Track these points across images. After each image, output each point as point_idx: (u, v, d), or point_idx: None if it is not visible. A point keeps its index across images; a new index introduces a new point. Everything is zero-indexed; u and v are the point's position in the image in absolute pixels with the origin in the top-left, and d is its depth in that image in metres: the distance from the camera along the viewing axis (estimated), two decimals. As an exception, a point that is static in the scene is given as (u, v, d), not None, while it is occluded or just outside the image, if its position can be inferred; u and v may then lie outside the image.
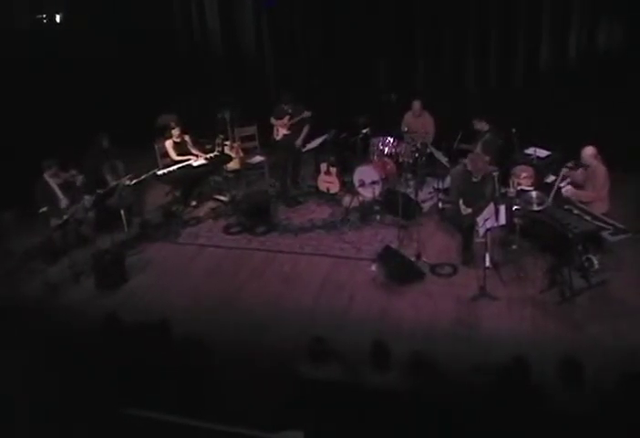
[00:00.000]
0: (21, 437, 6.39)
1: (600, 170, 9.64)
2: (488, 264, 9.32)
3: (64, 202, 10.66)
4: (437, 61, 13.38)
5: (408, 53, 13.52)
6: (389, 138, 12.33)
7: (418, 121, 12.57)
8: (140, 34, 14.40)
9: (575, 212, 9.17)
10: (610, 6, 11.93)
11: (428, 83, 13.53)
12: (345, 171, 12.34)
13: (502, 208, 9.17)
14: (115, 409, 6.14)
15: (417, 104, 12.53)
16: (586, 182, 9.80)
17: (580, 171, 9.93)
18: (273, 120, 12.58)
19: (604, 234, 8.88)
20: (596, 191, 9.66)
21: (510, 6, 12.52)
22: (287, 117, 12.34)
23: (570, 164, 10.24)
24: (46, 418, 6.36)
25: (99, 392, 6.60)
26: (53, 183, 10.74)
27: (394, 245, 10.42)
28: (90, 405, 6.37)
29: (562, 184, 9.89)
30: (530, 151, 11.37)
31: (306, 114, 12.32)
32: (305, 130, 12.44)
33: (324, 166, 12.22)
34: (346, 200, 12.05)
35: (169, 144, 12.31)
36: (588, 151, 9.69)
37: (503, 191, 10.26)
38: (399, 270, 9.76)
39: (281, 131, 12.47)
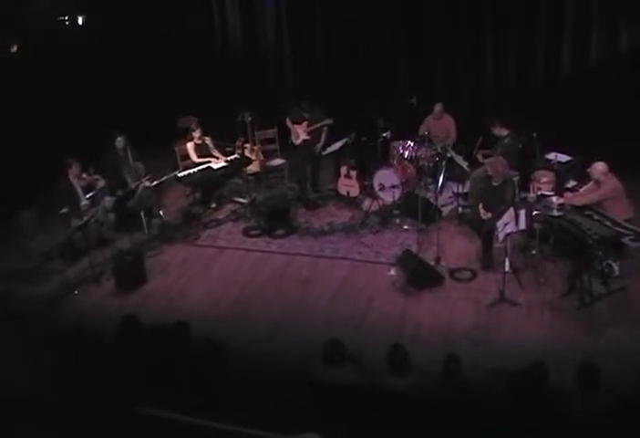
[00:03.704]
0: (36, 436, 6.42)
1: (607, 184, 9.47)
2: (507, 269, 9.26)
3: (84, 203, 10.71)
4: (457, 64, 13.34)
5: (429, 55, 13.50)
6: (410, 141, 12.29)
7: (439, 124, 12.53)
8: (162, 35, 14.45)
9: (596, 217, 9.12)
10: (633, 8, 11.83)
11: (448, 86, 13.49)
12: (365, 174, 12.30)
13: (522, 213, 9.13)
14: (132, 408, 6.16)
15: (438, 106, 12.49)
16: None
17: (590, 185, 9.83)
18: (289, 123, 12.61)
19: (625, 239, 8.82)
20: (591, 197, 9.58)
21: (530, 8, 12.48)
22: (306, 123, 12.37)
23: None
24: (62, 417, 6.38)
25: (116, 392, 6.62)
26: (77, 185, 10.82)
27: (413, 249, 10.42)
28: (107, 404, 6.39)
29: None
30: (550, 156, 11.31)
31: (327, 121, 12.34)
32: (324, 134, 12.46)
33: (344, 169, 12.18)
34: (366, 203, 12.05)
35: (190, 146, 12.36)
36: (599, 167, 9.48)
37: (523, 195, 10.23)
38: (418, 274, 9.75)
39: (301, 136, 12.48)
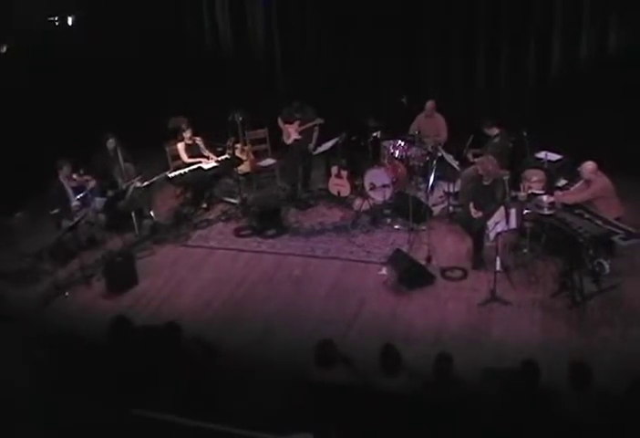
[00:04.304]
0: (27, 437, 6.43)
1: (597, 183, 9.52)
2: (498, 268, 9.28)
3: (75, 204, 10.69)
4: (448, 64, 13.35)
5: (420, 55, 13.50)
6: (400, 141, 12.31)
7: (430, 123, 12.54)
8: (151, 35, 14.42)
9: (586, 216, 9.14)
10: (623, 7, 11.86)
11: (439, 86, 13.49)
12: (355, 174, 12.31)
13: (513, 212, 9.14)
14: (124, 410, 6.15)
15: (430, 103, 12.48)
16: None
17: (580, 183, 9.87)
18: (280, 123, 12.65)
19: (616, 238, 8.84)
20: (581, 196, 9.61)
21: (521, 8, 12.49)
22: (297, 122, 12.39)
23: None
24: (55, 418, 6.38)
25: (107, 393, 6.61)
26: (67, 186, 10.80)
27: (404, 249, 10.42)
28: (98, 406, 6.38)
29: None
30: (541, 154, 11.32)
31: (318, 121, 12.37)
32: (315, 134, 12.49)
33: (334, 169, 12.19)
34: (357, 203, 12.05)
35: (180, 146, 12.34)
36: (588, 167, 9.55)
37: (514, 194, 10.24)
38: (410, 274, 9.76)
39: (292, 136, 12.51)
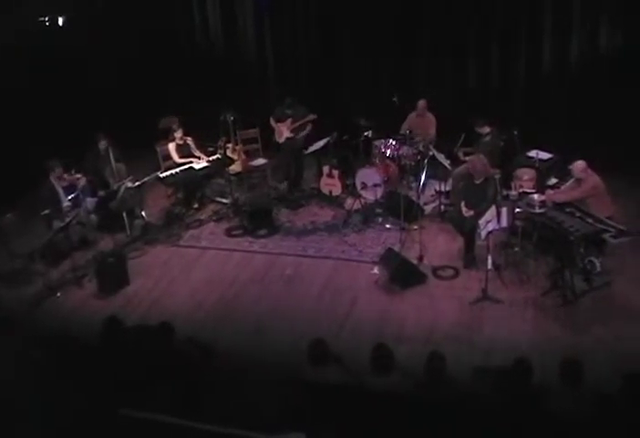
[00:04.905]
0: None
1: (588, 182, 9.54)
2: (490, 266, 9.28)
3: (66, 204, 10.67)
4: (440, 63, 13.36)
5: (412, 55, 13.50)
6: (392, 140, 12.31)
7: (421, 121, 12.56)
8: (143, 35, 14.39)
9: (577, 214, 9.15)
10: (613, 7, 11.89)
11: (431, 85, 13.49)
12: (347, 173, 12.32)
13: (504, 211, 9.16)
14: (115, 410, 6.14)
15: (422, 102, 12.49)
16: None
17: (571, 182, 9.89)
18: (272, 122, 12.66)
19: (607, 236, 8.85)
20: (572, 195, 9.63)
21: (512, 8, 12.52)
22: (290, 120, 12.38)
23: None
24: (47, 419, 6.36)
25: (100, 394, 6.60)
26: (58, 186, 10.78)
27: (396, 248, 10.42)
28: (91, 406, 6.37)
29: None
30: (532, 153, 11.35)
31: (311, 117, 12.39)
32: (307, 129, 12.51)
33: (326, 169, 12.19)
34: (349, 202, 12.06)
35: (171, 146, 12.33)
36: (579, 166, 9.56)
37: (505, 193, 10.25)
38: (401, 273, 9.76)
39: (284, 134, 12.51)
